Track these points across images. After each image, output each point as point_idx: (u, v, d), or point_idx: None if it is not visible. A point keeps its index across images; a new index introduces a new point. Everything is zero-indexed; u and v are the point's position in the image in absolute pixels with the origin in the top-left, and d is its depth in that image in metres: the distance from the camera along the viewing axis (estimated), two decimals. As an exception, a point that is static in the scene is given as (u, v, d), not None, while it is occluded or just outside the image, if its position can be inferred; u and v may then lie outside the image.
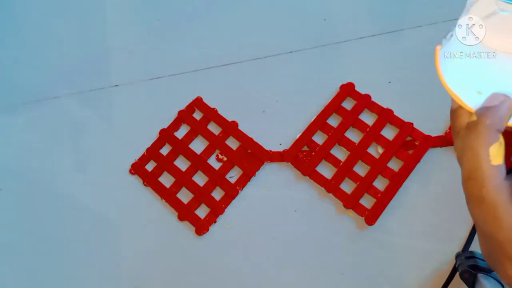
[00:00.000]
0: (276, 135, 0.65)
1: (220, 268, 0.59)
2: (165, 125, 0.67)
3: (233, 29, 0.74)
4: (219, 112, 0.67)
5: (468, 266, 0.51)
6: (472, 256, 0.52)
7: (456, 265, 0.53)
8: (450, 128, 0.62)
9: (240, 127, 0.66)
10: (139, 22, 0.76)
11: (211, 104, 0.67)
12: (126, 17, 0.77)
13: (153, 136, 0.66)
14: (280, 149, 0.64)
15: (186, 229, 0.61)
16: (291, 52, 0.71)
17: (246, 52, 0.71)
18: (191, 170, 0.64)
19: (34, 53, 0.74)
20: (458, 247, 0.56)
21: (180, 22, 0.75)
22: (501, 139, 0.25)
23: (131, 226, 0.62)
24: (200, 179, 0.64)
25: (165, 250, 0.60)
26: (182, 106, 0.68)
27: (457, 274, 0.52)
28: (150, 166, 0.65)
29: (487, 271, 0.50)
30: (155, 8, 0.76)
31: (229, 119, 0.66)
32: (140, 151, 0.65)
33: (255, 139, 0.65)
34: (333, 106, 0.65)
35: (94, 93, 0.70)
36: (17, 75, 0.73)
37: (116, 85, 0.71)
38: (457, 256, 0.54)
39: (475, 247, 0.53)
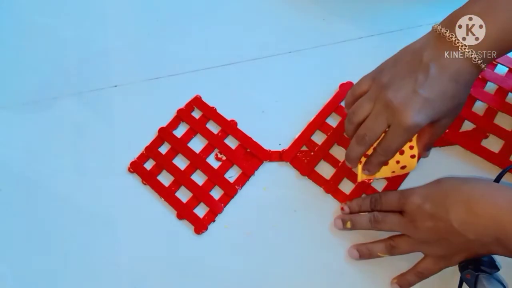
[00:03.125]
0: (276, 135, 0.65)
1: (220, 267, 0.59)
2: (164, 124, 0.66)
3: (233, 29, 0.74)
4: (218, 111, 0.67)
5: (470, 267, 0.51)
6: (474, 257, 0.52)
7: (458, 267, 0.53)
8: (449, 128, 0.62)
9: (239, 127, 0.66)
10: (139, 22, 0.76)
11: (210, 104, 0.67)
12: (126, 17, 0.77)
13: (152, 134, 0.66)
14: (280, 149, 0.64)
15: (185, 228, 0.61)
16: (290, 52, 0.71)
17: (245, 52, 0.71)
18: (190, 169, 0.64)
19: (33, 53, 0.74)
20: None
21: (180, 22, 0.75)
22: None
23: (130, 225, 0.62)
24: (199, 178, 0.63)
25: (164, 249, 0.60)
26: (181, 105, 0.68)
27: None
28: (149, 165, 0.65)
29: (489, 272, 0.50)
30: (155, 8, 0.76)
31: (228, 118, 0.66)
32: (139, 149, 0.65)
33: (255, 139, 0.65)
34: (332, 106, 0.65)
35: (94, 94, 0.70)
36: (16, 75, 0.73)
37: (116, 86, 0.71)
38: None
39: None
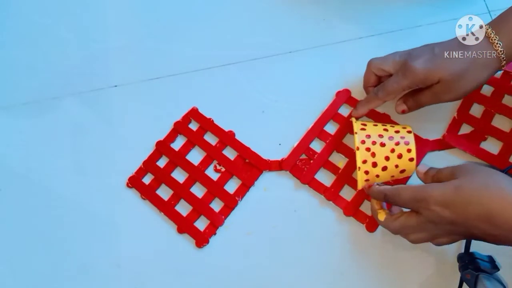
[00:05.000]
0: (276, 135, 0.65)
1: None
2: (161, 137, 0.66)
3: (232, 29, 0.73)
4: (216, 120, 0.66)
5: (470, 267, 0.51)
6: (474, 257, 0.52)
7: (458, 267, 0.53)
8: (447, 131, 0.62)
9: (239, 128, 0.66)
10: (139, 22, 0.76)
11: (210, 108, 0.67)
12: (126, 17, 0.76)
13: (150, 148, 0.66)
14: (280, 149, 0.64)
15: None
16: (290, 52, 0.71)
17: (245, 52, 0.71)
18: (189, 182, 0.63)
19: (34, 53, 0.74)
20: (459, 249, 0.56)
21: (180, 22, 0.75)
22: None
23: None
24: (198, 190, 0.63)
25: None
26: (182, 108, 0.67)
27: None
28: (147, 179, 0.64)
29: (489, 272, 0.50)
30: (155, 9, 0.76)
31: (228, 120, 0.66)
32: (137, 164, 0.65)
33: (254, 140, 0.65)
34: (330, 113, 0.65)
35: (94, 94, 0.70)
36: (17, 75, 0.73)
37: (116, 86, 0.71)
38: (459, 257, 0.54)
39: (476, 247, 0.53)
